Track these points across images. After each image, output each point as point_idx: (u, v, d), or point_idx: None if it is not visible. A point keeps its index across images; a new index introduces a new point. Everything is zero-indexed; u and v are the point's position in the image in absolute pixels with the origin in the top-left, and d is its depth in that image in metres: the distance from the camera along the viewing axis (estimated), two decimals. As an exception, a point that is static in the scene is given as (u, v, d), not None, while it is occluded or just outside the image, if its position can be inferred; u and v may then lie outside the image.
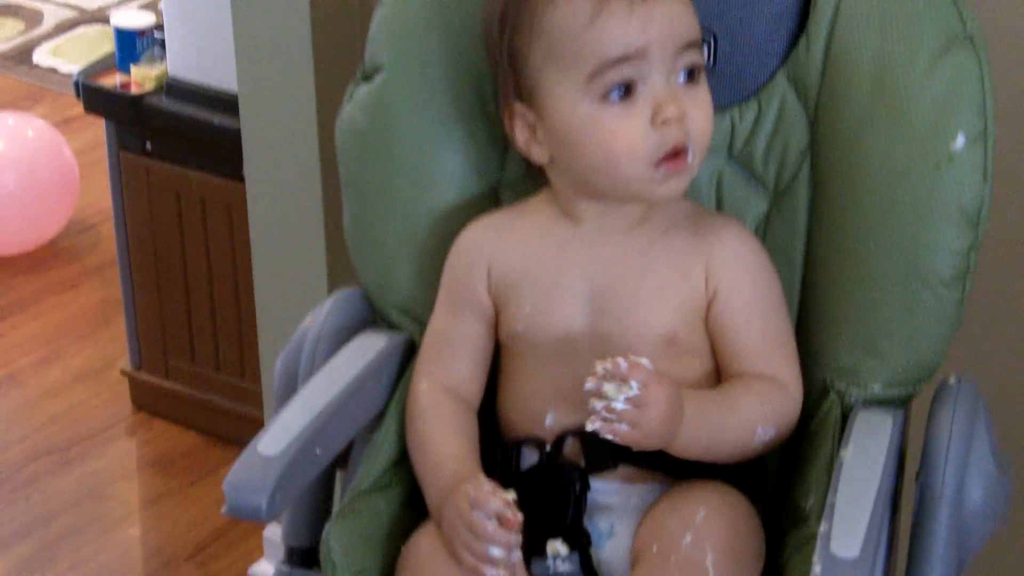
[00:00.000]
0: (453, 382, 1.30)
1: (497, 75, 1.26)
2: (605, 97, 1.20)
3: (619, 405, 1.14)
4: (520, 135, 1.26)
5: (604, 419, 1.14)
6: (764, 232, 1.31)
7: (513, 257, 1.29)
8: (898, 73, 1.23)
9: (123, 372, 2.61)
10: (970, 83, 1.22)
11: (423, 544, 1.23)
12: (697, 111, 1.21)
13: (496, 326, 1.30)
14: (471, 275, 1.30)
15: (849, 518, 1.10)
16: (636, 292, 1.24)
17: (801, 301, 1.30)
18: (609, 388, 1.14)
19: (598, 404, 1.14)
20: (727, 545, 1.16)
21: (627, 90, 1.20)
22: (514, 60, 1.23)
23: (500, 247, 1.29)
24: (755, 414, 1.22)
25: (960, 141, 1.21)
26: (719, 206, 1.32)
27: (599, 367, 1.15)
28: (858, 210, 1.24)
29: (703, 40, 1.28)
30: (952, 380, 1.25)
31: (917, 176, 1.22)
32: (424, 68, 1.34)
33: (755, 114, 1.30)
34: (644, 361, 1.15)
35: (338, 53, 1.81)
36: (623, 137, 1.20)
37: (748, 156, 1.31)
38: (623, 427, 1.14)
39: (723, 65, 1.30)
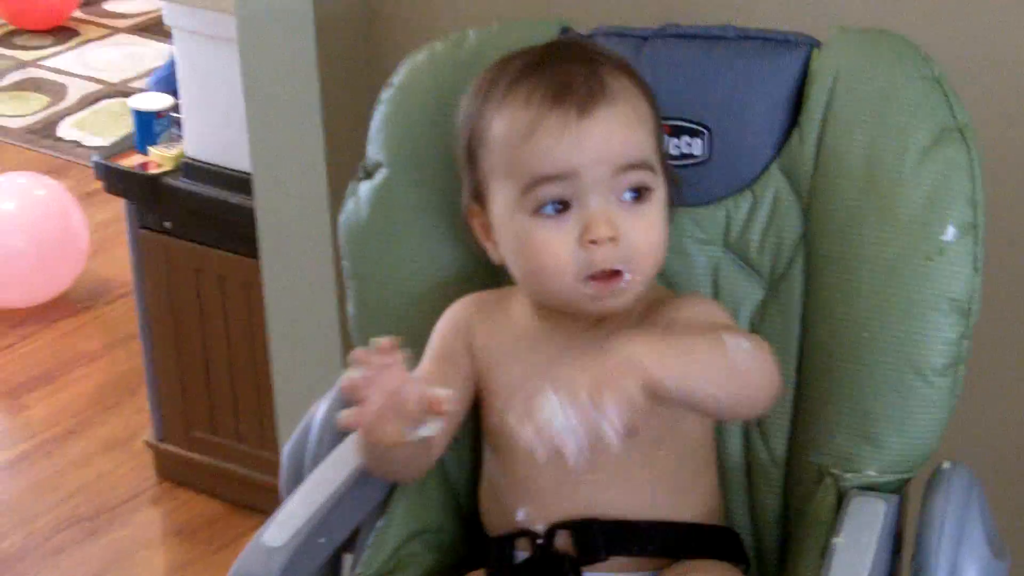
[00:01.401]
0: None
1: (461, 170, 1.29)
2: (537, 211, 1.21)
3: (559, 422, 1.08)
4: (479, 233, 1.29)
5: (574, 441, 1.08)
6: (760, 319, 1.32)
7: (491, 344, 1.30)
8: (889, 166, 1.25)
9: (147, 443, 2.63)
10: (960, 175, 1.24)
11: None
12: (639, 232, 1.21)
13: (477, 409, 1.31)
14: (457, 340, 1.31)
15: None
16: None
17: (797, 388, 1.31)
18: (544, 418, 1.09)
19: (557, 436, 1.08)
20: None
21: (562, 206, 1.21)
22: (471, 163, 1.26)
23: (482, 328, 1.31)
24: (722, 361, 1.18)
25: (951, 233, 1.23)
26: (716, 294, 1.34)
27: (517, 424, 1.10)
28: (851, 300, 1.26)
29: (698, 133, 1.31)
30: (946, 465, 1.25)
31: (908, 268, 1.24)
32: (423, 164, 1.37)
33: (750, 205, 1.32)
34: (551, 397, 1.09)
35: (349, 135, 1.81)
36: (550, 251, 1.21)
37: (744, 246, 1.32)
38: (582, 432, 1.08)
39: (718, 157, 1.32)
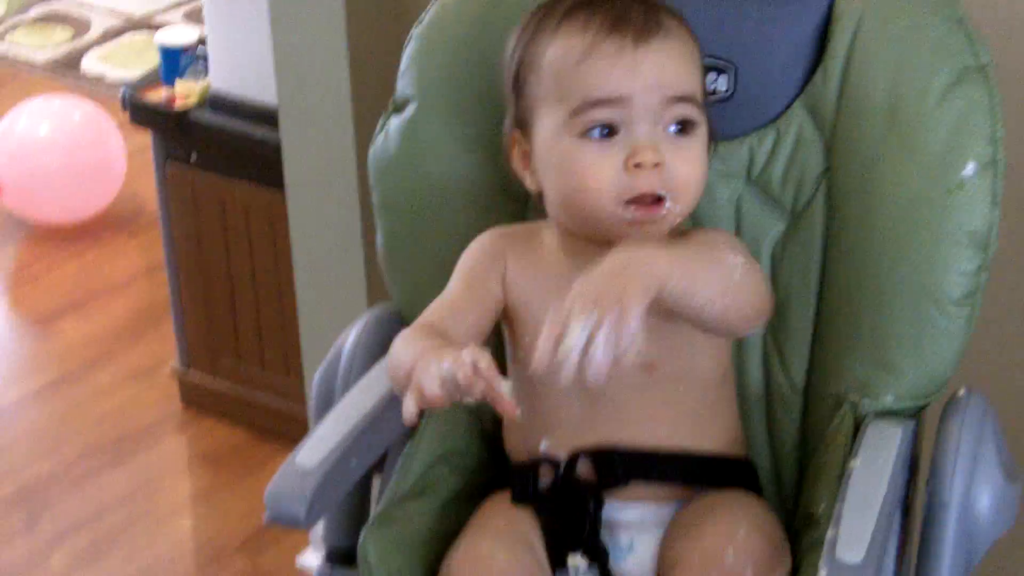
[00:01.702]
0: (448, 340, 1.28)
1: (507, 100, 1.31)
2: (584, 134, 1.23)
3: (580, 335, 1.11)
4: (517, 162, 1.31)
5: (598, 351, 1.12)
6: (782, 252, 1.35)
7: (521, 279, 1.32)
8: (911, 104, 1.27)
9: (172, 371, 2.66)
10: (981, 113, 1.27)
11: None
12: (682, 162, 1.24)
13: (499, 335, 1.33)
14: (490, 270, 1.32)
15: (855, 525, 1.14)
16: None
17: (816, 318, 1.34)
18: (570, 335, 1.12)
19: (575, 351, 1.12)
20: (765, 561, 1.21)
21: (609, 132, 1.23)
22: (518, 90, 1.28)
23: (514, 262, 1.32)
24: (719, 248, 1.25)
25: (971, 168, 1.26)
26: (738, 228, 1.36)
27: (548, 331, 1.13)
28: (872, 233, 1.29)
29: (724, 69, 1.33)
30: (961, 393, 1.28)
31: (929, 201, 1.26)
32: (452, 99, 1.39)
33: (773, 141, 1.34)
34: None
35: (375, 69, 1.86)
36: (594, 173, 1.23)
37: (766, 180, 1.35)
38: (602, 340, 1.12)
39: (743, 94, 1.34)
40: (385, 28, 1.87)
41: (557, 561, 1.27)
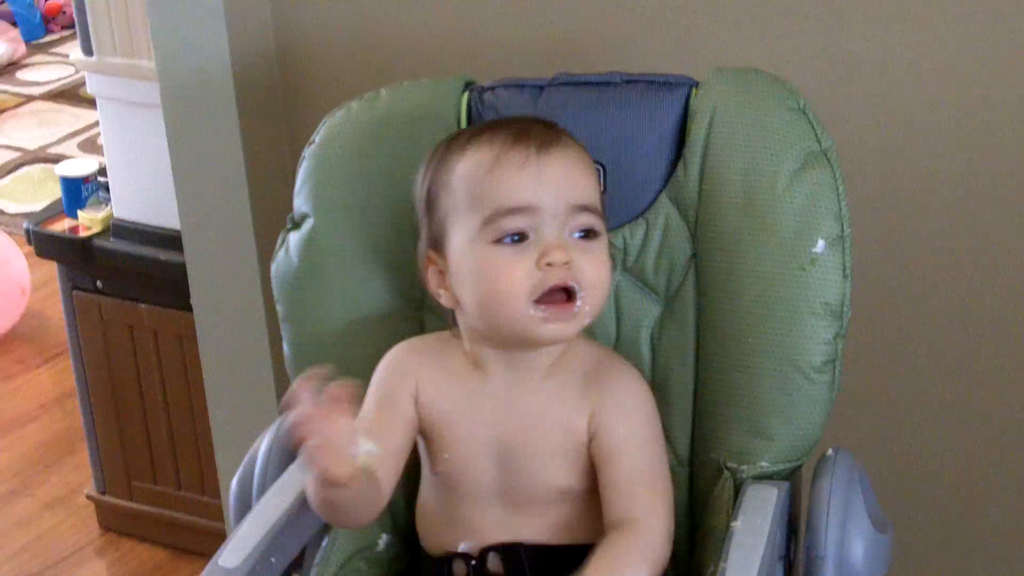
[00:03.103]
0: None
1: (420, 224, 1.36)
2: (498, 241, 1.29)
3: None
4: (432, 281, 1.35)
5: None
6: (659, 334, 1.43)
7: (435, 396, 1.36)
8: (764, 189, 1.36)
9: (89, 497, 2.66)
10: (827, 193, 1.35)
11: None
12: (589, 263, 1.29)
13: (421, 451, 1.38)
14: (402, 387, 1.37)
15: None
16: (534, 452, 1.34)
17: (695, 393, 1.42)
18: None
19: None
20: None
21: (520, 238, 1.28)
22: (430, 208, 1.34)
23: (426, 377, 1.37)
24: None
25: (821, 245, 1.35)
26: (618, 313, 1.44)
27: None
28: (737, 310, 1.37)
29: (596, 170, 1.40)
30: (830, 452, 1.36)
31: (785, 278, 1.35)
32: (346, 212, 1.45)
33: (644, 232, 1.42)
34: None
35: (273, 185, 1.92)
36: (508, 275, 1.28)
37: (640, 268, 1.43)
38: None
39: (614, 190, 1.42)
40: (280, 146, 1.92)
41: None
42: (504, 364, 1.35)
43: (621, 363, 1.38)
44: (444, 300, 1.35)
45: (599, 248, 1.31)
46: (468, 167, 1.31)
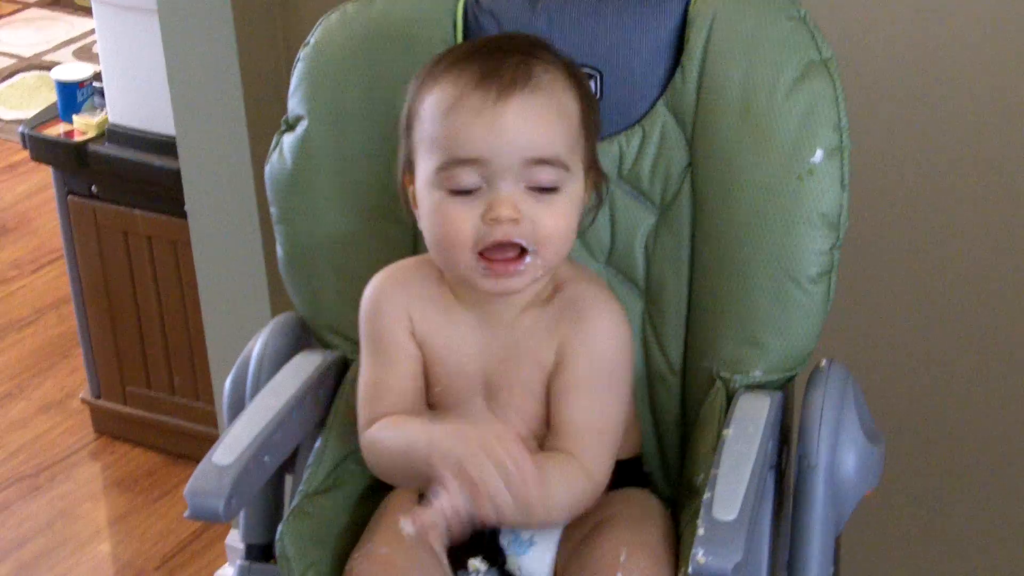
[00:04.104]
0: None
1: (400, 141, 1.34)
2: (452, 190, 1.26)
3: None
4: (409, 201, 1.34)
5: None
6: (654, 243, 1.43)
7: (427, 330, 1.35)
8: (762, 98, 1.35)
9: (84, 401, 2.68)
10: (826, 104, 1.34)
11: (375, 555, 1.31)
12: (548, 218, 1.26)
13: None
14: (396, 326, 1.36)
15: (728, 488, 1.21)
16: (512, 384, 1.33)
17: (689, 302, 1.42)
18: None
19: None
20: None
21: (472, 190, 1.26)
22: (407, 130, 1.32)
23: (416, 311, 1.36)
24: (560, 504, 1.27)
25: (819, 155, 1.34)
26: (612, 222, 1.43)
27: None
28: (733, 220, 1.36)
29: (591, 76, 1.40)
30: (823, 363, 1.36)
31: (782, 188, 1.34)
32: (339, 114, 1.45)
33: (640, 139, 1.41)
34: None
35: (267, 91, 1.91)
36: (456, 226, 1.26)
37: (636, 176, 1.42)
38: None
39: (610, 97, 1.41)
40: (274, 51, 1.91)
41: (458, 563, 1.33)
42: (481, 296, 1.33)
43: (602, 298, 1.35)
44: (419, 222, 1.34)
45: (559, 199, 1.27)
46: (433, 103, 1.28)
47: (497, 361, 1.34)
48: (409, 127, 1.32)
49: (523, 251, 1.27)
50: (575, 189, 1.29)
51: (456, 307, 1.35)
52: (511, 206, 1.25)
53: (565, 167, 1.28)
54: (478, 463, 1.17)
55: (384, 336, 1.36)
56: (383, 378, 1.36)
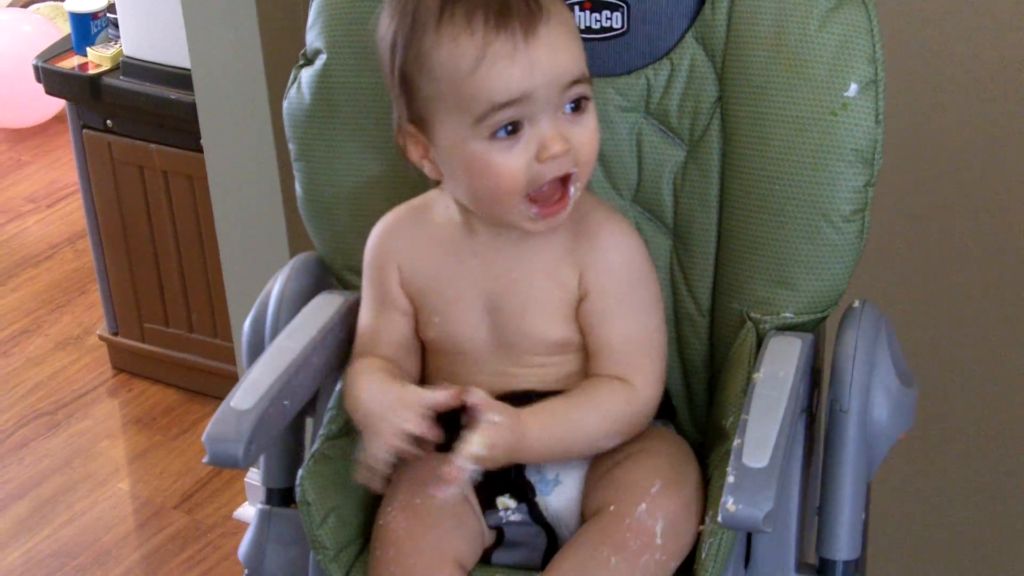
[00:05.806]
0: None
1: (391, 93, 1.30)
2: (493, 136, 1.23)
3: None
4: (413, 153, 1.30)
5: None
6: (682, 180, 1.40)
7: (418, 263, 1.35)
8: (795, 30, 1.31)
9: (101, 338, 2.69)
10: (861, 36, 1.31)
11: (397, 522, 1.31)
12: (584, 139, 1.25)
13: (416, 322, 1.37)
14: (387, 276, 1.36)
15: (759, 433, 1.19)
16: (524, 304, 1.31)
17: (718, 241, 1.39)
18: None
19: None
20: (676, 516, 1.26)
21: (514, 127, 1.23)
22: (405, 87, 1.27)
23: (403, 252, 1.35)
24: (599, 431, 1.29)
25: (853, 89, 1.30)
26: (640, 158, 1.41)
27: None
28: (764, 155, 1.33)
29: (617, 7, 1.36)
30: (856, 304, 1.34)
31: (815, 122, 1.31)
32: (360, 48, 1.41)
33: (668, 73, 1.38)
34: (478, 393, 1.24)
35: (284, 23, 1.88)
36: (507, 172, 1.24)
37: (664, 111, 1.39)
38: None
39: (636, 29, 1.38)
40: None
41: (487, 503, 1.32)
42: (490, 225, 1.31)
43: (610, 216, 1.34)
44: (428, 171, 1.31)
45: (589, 116, 1.26)
46: (449, 59, 1.23)
47: (506, 281, 1.32)
48: (409, 82, 1.27)
49: (565, 183, 1.26)
50: (593, 102, 1.28)
51: (457, 233, 1.33)
52: (562, 139, 1.24)
53: (589, 80, 1.27)
54: (373, 432, 1.27)
55: (376, 287, 1.37)
56: (372, 324, 1.37)
